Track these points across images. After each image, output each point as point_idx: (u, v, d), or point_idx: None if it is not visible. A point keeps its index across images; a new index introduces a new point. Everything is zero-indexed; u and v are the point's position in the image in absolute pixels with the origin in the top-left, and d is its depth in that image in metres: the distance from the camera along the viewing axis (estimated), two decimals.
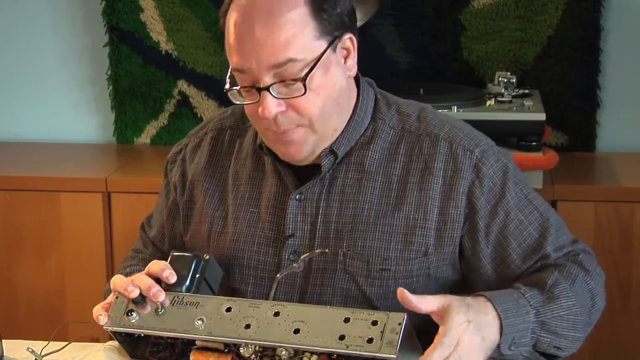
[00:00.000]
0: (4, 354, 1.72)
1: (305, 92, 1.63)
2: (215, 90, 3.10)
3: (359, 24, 2.73)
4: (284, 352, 1.52)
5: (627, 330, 2.67)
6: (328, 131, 1.72)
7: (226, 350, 1.58)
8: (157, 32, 3.14)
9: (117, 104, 3.21)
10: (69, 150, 3.19)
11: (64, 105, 3.27)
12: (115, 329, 1.61)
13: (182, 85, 3.16)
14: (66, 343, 1.75)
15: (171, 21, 3.12)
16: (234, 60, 1.66)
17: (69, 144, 3.25)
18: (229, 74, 1.70)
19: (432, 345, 1.48)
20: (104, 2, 3.13)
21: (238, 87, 1.68)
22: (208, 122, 1.93)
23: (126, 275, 1.72)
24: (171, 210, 1.91)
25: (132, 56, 3.16)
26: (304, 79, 1.63)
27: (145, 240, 1.98)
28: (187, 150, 1.91)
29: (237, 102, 1.71)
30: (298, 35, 1.63)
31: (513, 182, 1.75)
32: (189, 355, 1.60)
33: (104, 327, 1.62)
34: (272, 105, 1.63)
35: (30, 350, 1.71)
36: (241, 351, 1.55)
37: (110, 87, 3.20)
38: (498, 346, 1.58)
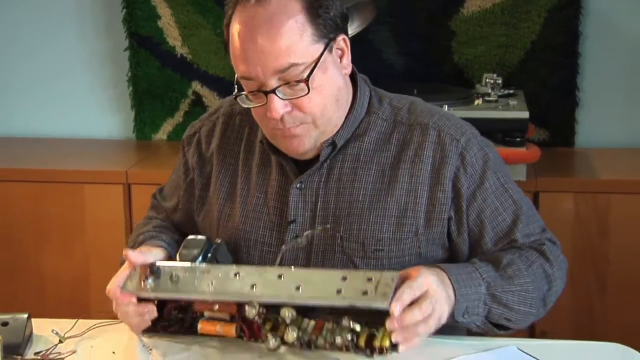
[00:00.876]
0: (33, 331, 1.72)
1: (308, 92, 1.64)
2: (225, 90, 3.09)
3: (358, 30, 2.76)
4: (287, 314, 1.53)
5: (603, 310, 2.67)
6: (329, 127, 1.74)
7: (231, 320, 1.59)
8: (173, 37, 3.14)
9: (136, 104, 3.21)
10: (93, 145, 3.19)
11: (88, 105, 3.27)
12: (134, 293, 1.63)
13: (196, 86, 3.16)
14: (88, 327, 1.75)
15: (186, 27, 3.12)
16: (240, 69, 1.67)
17: (93, 140, 3.25)
18: (235, 80, 1.70)
19: (401, 288, 1.50)
20: (124, 10, 3.13)
21: (245, 92, 1.68)
22: (219, 107, 1.93)
23: (139, 243, 1.79)
24: (188, 187, 1.91)
25: (150, 60, 3.16)
26: (306, 80, 1.64)
27: (158, 206, 1.99)
28: (201, 134, 1.91)
29: (246, 106, 1.71)
30: (297, 41, 1.64)
31: (492, 170, 1.76)
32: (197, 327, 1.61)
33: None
34: (278, 106, 1.65)
35: (54, 332, 1.71)
36: (246, 313, 1.55)
37: (130, 88, 3.20)
38: (452, 314, 1.60)
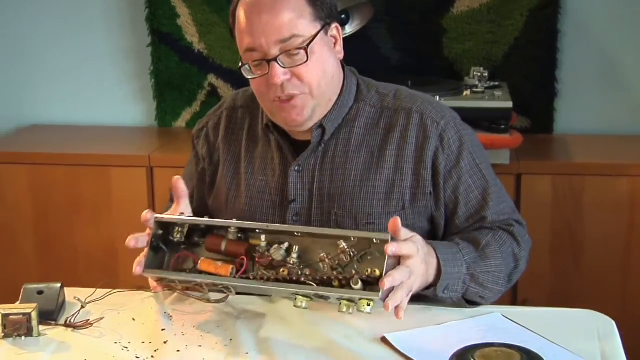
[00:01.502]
0: (66, 299, 1.73)
1: (307, 60, 1.66)
2: (238, 82, 3.06)
3: (358, 28, 2.76)
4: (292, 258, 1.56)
5: (579, 282, 2.67)
6: (324, 100, 1.74)
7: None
8: (191, 34, 3.13)
9: (158, 94, 3.20)
10: (119, 132, 3.19)
11: (115, 95, 3.26)
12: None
13: (212, 78, 3.15)
14: (108, 291, 1.75)
15: (202, 25, 3.11)
16: (245, 41, 1.69)
17: (119, 127, 3.25)
18: (240, 60, 1.72)
19: (398, 267, 1.49)
20: (147, 10, 3.12)
21: (249, 63, 1.70)
22: (223, 102, 1.94)
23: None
24: (200, 176, 1.92)
25: (170, 55, 3.15)
26: (306, 48, 1.66)
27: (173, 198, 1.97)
28: (209, 128, 1.91)
29: (249, 77, 1.72)
30: (298, 17, 1.66)
31: (468, 151, 1.76)
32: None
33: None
34: (279, 72, 1.66)
35: (76, 298, 1.71)
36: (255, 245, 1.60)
37: (153, 80, 3.19)
38: (434, 287, 1.61)
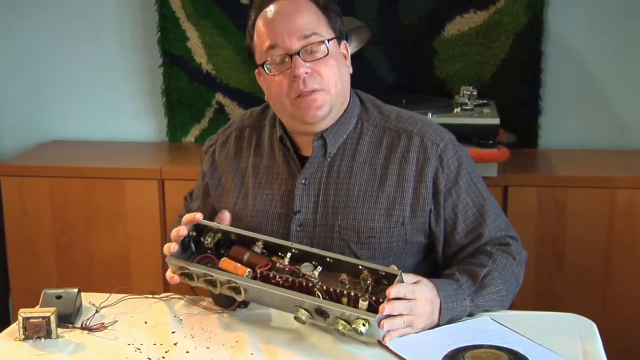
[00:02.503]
0: (82, 303, 1.72)
1: (328, 54, 1.68)
2: (244, 100, 3.09)
3: (355, 50, 2.76)
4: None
5: (562, 287, 2.66)
6: (338, 102, 1.74)
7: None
8: (200, 56, 3.13)
9: (169, 112, 3.20)
10: (132, 147, 3.19)
11: (128, 113, 3.26)
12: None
13: (219, 97, 3.15)
14: (122, 296, 1.75)
15: (211, 47, 3.11)
16: (266, 44, 1.70)
17: (132, 142, 3.25)
18: (263, 60, 1.72)
19: (402, 300, 1.52)
20: (159, 33, 3.12)
21: (270, 61, 1.70)
22: (232, 122, 1.94)
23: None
24: (205, 189, 1.92)
25: (180, 75, 3.15)
26: (326, 43, 1.68)
27: (188, 208, 1.99)
28: (217, 145, 1.91)
29: (270, 74, 1.72)
30: (317, 21, 1.70)
31: (466, 171, 1.76)
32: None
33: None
34: (301, 65, 1.67)
35: (91, 303, 1.71)
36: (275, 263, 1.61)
37: (164, 99, 3.19)
38: (438, 324, 1.60)
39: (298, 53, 1.67)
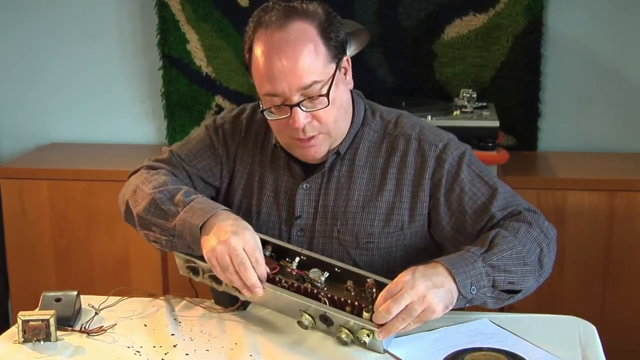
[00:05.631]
0: (82, 306, 1.72)
1: (329, 104, 1.63)
2: (244, 103, 3.08)
3: (355, 52, 2.76)
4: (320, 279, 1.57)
5: (562, 290, 2.66)
6: (339, 134, 1.73)
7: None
8: (200, 58, 3.13)
9: (168, 114, 3.20)
10: (132, 149, 3.18)
11: (128, 115, 3.26)
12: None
13: (219, 99, 3.15)
14: (120, 299, 1.75)
15: (210, 50, 3.11)
16: (266, 87, 1.63)
17: (132, 144, 3.25)
18: (261, 97, 1.67)
19: (394, 298, 1.46)
20: (159, 36, 3.12)
21: (270, 107, 1.66)
22: (242, 111, 1.88)
23: (173, 195, 1.69)
24: (213, 174, 1.84)
25: (180, 77, 3.15)
26: (327, 94, 1.62)
27: (177, 164, 1.85)
28: (226, 131, 1.85)
29: (271, 119, 1.68)
30: (316, 61, 1.61)
31: (467, 164, 1.72)
32: None
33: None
34: (302, 117, 1.63)
35: (90, 306, 1.71)
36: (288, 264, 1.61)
37: (164, 101, 3.19)
38: (460, 293, 1.50)
39: (299, 104, 1.62)
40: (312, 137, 1.67)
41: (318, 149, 1.70)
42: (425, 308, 1.45)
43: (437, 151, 1.73)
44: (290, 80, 1.60)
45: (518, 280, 1.58)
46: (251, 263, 1.54)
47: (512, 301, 1.62)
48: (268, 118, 1.69)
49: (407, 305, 1.45)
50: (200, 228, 1.59)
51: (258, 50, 1.63)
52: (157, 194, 1.70)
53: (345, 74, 1.71)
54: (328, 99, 1.62)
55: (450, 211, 1.71)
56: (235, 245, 1.53)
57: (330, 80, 1.63)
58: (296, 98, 1.62)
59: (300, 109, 1.62)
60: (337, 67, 1.66)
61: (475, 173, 1.73)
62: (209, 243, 1.56)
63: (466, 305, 1.57)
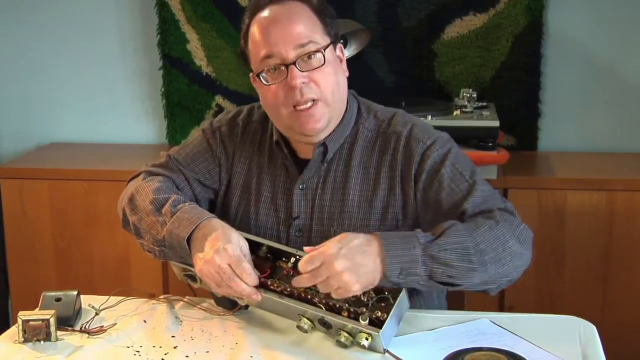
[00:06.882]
0: (82, 306, 1.72)
1: (324, 63, 1.65)
2: (244, 103, 3.02)
3: (355, 52, 2.76)
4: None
5: (562, 290, 2.66)
6: (336, 111, 1.73)
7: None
8: (200, 58, 3.13)
9: (169, 114, 3.20)
10: (132, 149, 3.18)
11: (128, 115, 3.26)
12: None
13: (219, 99, 3.15)
14: (121, 299, 1.75)
15: (210, 50, 3.11)
16: (262, 52, 1.67)
17: (132, 144, 3.25)
18: (257, 65, 1.69)
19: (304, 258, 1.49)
20: (159, 36, 3.12)
21: (266, 70, 1.68)
22: (238, 113, 1.89)
23: (171, 203, 1.69)
24: (211, 176, 1.85)
25: (180, 77, 3.15)
26: (323, 51, 1.65)
27: (174, 167, 1.86)
28: (223, 133, 1.86)
29: (267, 84, 1.69)
30: (312, 28, 1.67)
31: (451, 162, 1.71)
32: None
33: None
34: (298, 75, 1.64)
35: (90, 306, 1.71)
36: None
37: (164, 101, 3.19)
38: (385, 275, 1.49)
39: (294, 62, 1.64)
40: (311, 105, 1.67)
41: (318, 119, 1.68)
42: (340, 286, 1.47)
43: (424, 147, 1.72)
44: (286, 38, 1.64)
45: (458, 275, 1.54)
46: (239, 276, 1.55)
47: (451, 290, 1.60)
48: (265, 84, 1.69)
49: (323, 280, 1.47)
50: (188, 240, 1.61)
51: (255, 26, 1.69)
52: (148, 205, 1.73)
53: (340, 61, 1.74)
54: (324, 56, 1.65)
55: (427, 205, 1.71)
56: (220, 263, 1.54)
57: (328, 44, 1.68)
58: (292, 56, 1.65)
59: (296, 67, 1.64)
60: (332, 43, 1.70)
61: (458, 171, 1.71)
62: (197, 262, 1.59)
63: (394, 287, 1.53)
